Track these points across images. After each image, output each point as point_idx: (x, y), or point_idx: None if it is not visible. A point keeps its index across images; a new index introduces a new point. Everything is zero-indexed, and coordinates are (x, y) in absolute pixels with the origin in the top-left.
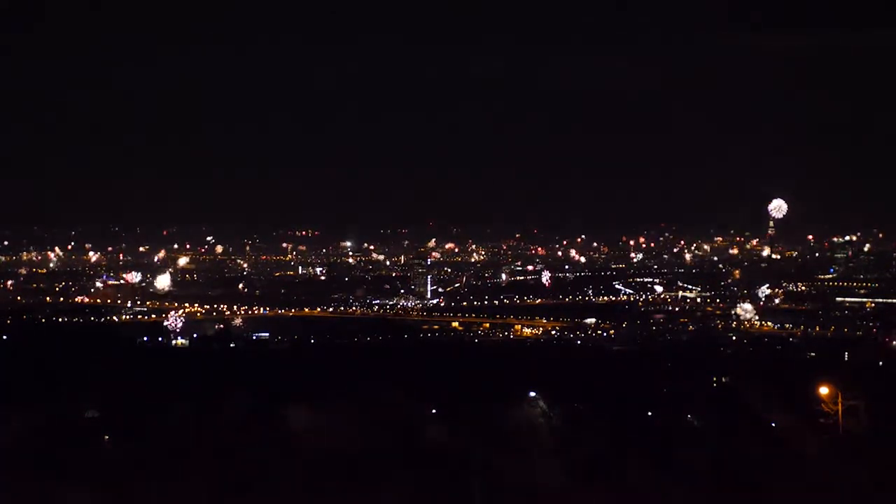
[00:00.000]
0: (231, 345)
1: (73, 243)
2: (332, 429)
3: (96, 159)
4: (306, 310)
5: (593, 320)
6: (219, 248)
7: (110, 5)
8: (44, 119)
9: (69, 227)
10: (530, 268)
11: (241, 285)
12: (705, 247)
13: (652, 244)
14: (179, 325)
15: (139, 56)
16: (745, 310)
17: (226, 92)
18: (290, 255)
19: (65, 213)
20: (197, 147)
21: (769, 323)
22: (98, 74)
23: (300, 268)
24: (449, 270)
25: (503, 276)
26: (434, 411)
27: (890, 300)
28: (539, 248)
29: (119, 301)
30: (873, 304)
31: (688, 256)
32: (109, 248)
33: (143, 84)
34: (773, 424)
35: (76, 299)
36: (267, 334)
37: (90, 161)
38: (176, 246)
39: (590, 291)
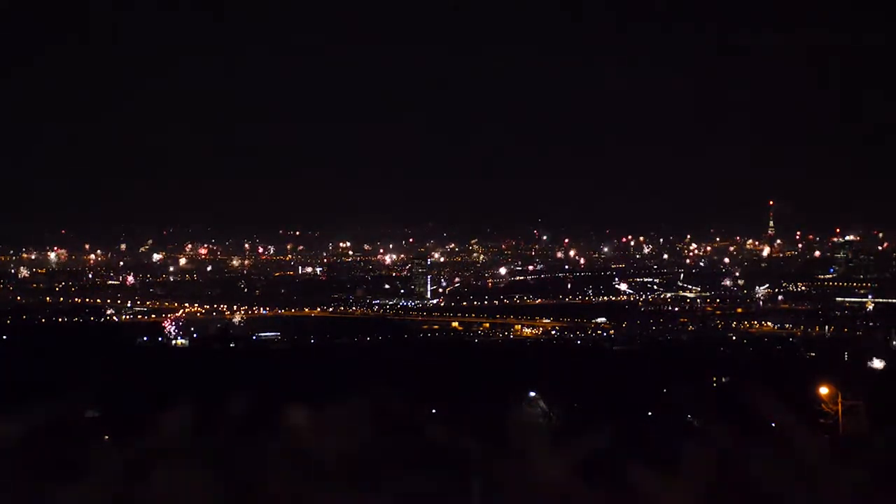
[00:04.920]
0: (231, 345)
1: (72, 244)
2: (332, 429)
3: (96, 159)
4: (306, 310)
5: (603, 319)
6: (218, 248)
7: (116, 12)
8: (43, 118)
9: (69, 227)
10: (530, 268)
11: (241, 285)
12: (706, 247)
13: (652, 244)
14: (179, 325)
15: (138, 50)
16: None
17: (225, 92)
18: (290, 255)
19: (65, 213)
20: (197, 147)
21: (769, 323)
22: (95, 72)
23: (300, 268)
24: (457, 272)
25: (503, 276)
26: (434, 411)
27: (890, 300)
28: (539, 248)
29: (119, 301)
30: (873, 304)
31: (688, 256)
32: (110, 247)
33: (143, 84)
34: (773, 424)
35: (76, 299)
36: (271, 334)
37: (90, 161)
38: (176, 244)
39: (590, 291)
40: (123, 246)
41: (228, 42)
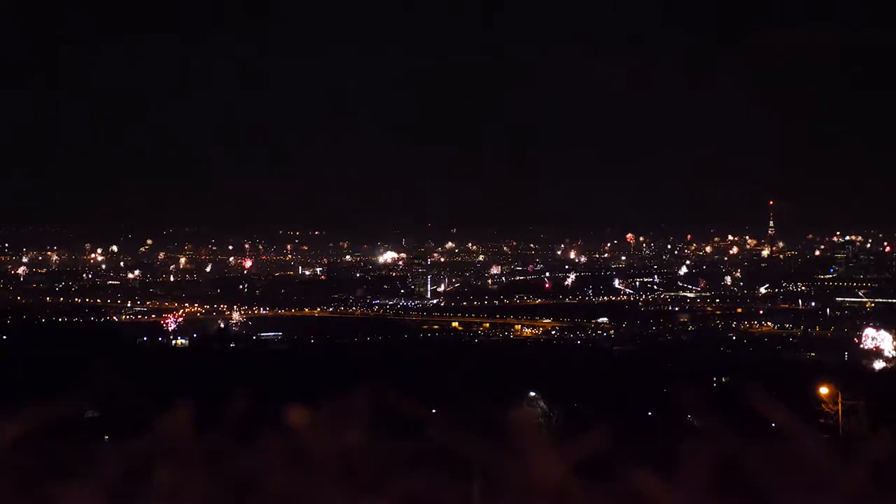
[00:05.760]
0: (231, 345)
1: (72, 244)
2: (332, 429)
3: (96, 159)
4: (306, 310)
5: (605, 319)
6: (218, 248)
7: (109, 7)
8: (43, 118)
9: (69, 227)
10: (530, 268)
11: (241, 285)
12: (706, 247)
13: (652, 244)
14: (179, 325)
15: (138, 55)
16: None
17: (226, 91)
18: (289, 256)
19: (65, 213)
20: (197, 146)
21: (769, 323)
22: (97, 73)
23: (300, 268)
24: (457, 272)
25: (503, 276)
26: (434, 411)
27: (890, 300)
28: (539, 248)
29: (119, 301)
30: (873, 304)
31: (688, 256)
32: (110, 247)
33: (143, 83)
34: (773, 424)
35: (76, 299)
36: (271, 334)
37: (90, 161)
38: (176, 244)
39: (590, 291)
40: (123, 246)
41: (231, 44)
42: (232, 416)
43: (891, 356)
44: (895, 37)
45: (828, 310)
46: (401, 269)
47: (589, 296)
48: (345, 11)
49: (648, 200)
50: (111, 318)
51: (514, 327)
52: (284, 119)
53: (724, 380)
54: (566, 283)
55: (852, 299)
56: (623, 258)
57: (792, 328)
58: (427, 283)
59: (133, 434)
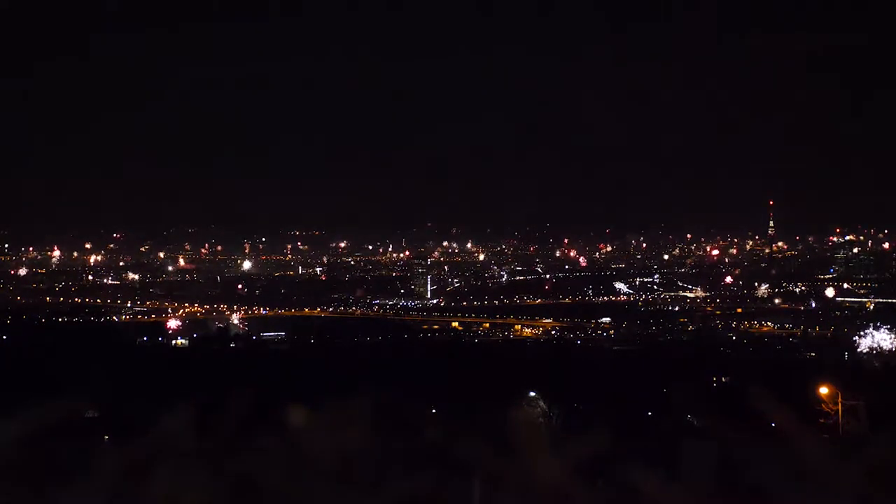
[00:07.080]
0: (231, 345)
1: (72, 244)
2: (332, 429)
3: (96, 158)
4: (306, 310)
5: (607, 319)
6: (219, 248)
7: (112, 2)
8: (41, 118)
9: (69, 227)
10: (530, 268)
11: (240, 285)
12: (706, 247)
13: (652, 244)
14: (179, 325)
15: (137, 53)
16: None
17: (225, 90)
18: (289, 256)
19: (65, 212)
20: (196, 146)
21: (769, 323)
22: (94, 71)
23: (300, 268)
24: (457, 272)
25: (503, 276)
26: (434, 411)
27: (890, 300)
28: (539, 248)
29: (119, 301)
30: (872, 304)
31: (688, 257)
32: (110, 247)
33: (141, 82)
34: (773, 424)
35: (76, 299)
36: (272, 335)
37: (90, 160)
38: (176, 244)
39: (590, 291)
40: (124, 246)
41: (232, 46)
42: (232, 416)
43: (891, 356)
44: (894, 37)
45: (828, 312)
46: (401, 269)
47: (589, 296)
48: (346, 15)
49: (649, 200)
50: (111, 318)
51: (514, 327)
52: (284, 119)
53: (724, 380)
54: (566, 283)
55: (852, 299)
56: (623, 258)
57: (792, 328)
58: (427, 283)
59: (133, 434)
